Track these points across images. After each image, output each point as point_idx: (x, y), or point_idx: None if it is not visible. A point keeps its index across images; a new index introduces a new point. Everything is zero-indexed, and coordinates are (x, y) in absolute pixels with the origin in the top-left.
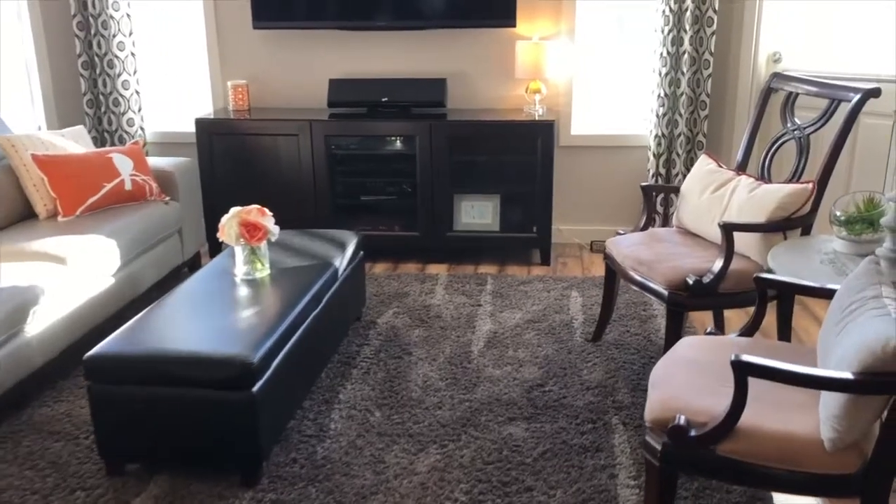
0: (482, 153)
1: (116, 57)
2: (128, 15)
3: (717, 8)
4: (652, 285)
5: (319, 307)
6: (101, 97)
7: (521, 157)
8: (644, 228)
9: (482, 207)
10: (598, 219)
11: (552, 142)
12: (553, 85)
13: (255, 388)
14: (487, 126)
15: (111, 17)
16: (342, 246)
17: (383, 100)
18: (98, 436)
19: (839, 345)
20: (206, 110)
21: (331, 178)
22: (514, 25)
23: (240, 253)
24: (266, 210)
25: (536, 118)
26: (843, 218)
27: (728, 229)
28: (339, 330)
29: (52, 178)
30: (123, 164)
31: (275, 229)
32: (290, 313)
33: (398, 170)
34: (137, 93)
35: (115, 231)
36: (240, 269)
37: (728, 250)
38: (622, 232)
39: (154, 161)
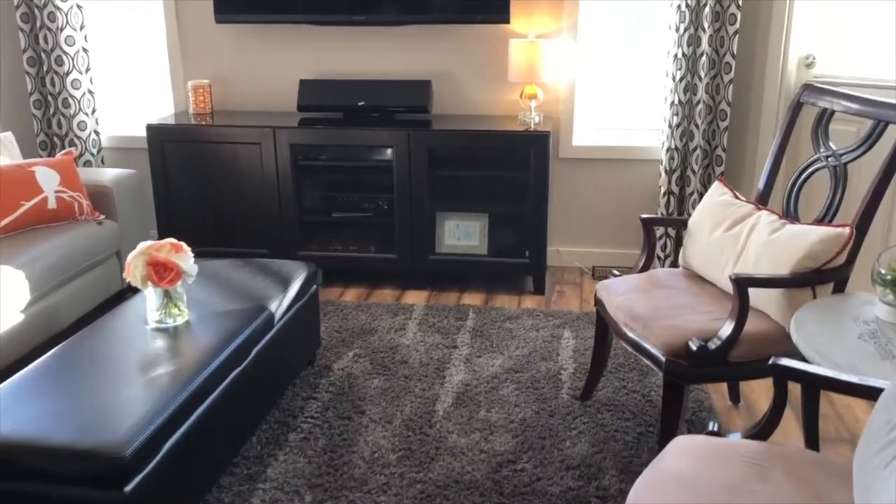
0: (468, 167)
1: (65, 53)
2: (78, 6)
3: (740, 3)
4: (647, 347)
5: (246, 362)
6: (49, 97)
7: (512, 171)
8: (644, 269)
9: (468, 228)
10: (603, 241)
11: (547, 155)
12: (552, 89)
13: (128, 487)
14: (473, 136)
15: (58, 7)
16: (286, 282)
17: (359, 104)
18: None
19: (885, 490)
20: (167, 113)
21: (297, 191)
22: (507, 21)
23: (152, 296)
24: (183, 245)
25: (532, 126)
26: (889, 277)
27: (742, 284)
28: (280, 382)
29: None
30: (48, 179)
31: (191, 269)
32: (196, 379)
33: (374, 184)
34: (91, 93)
35: (31, 258)
36: (151, 316)
37: (741, 310)
38: (618, 273)
39: (89, 174)
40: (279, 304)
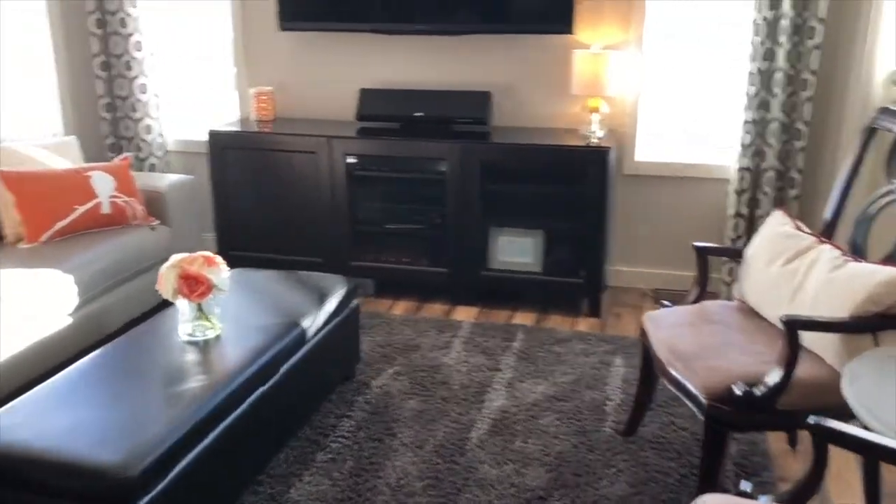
0: (524, 181)
1: (134, 58)
2: (148, 12)
3: (821, 16)
4: (689, 388)
5: (273, 380)
6: (118, 101)
7: (569, 187)
8: (696, 301)
9: (523, 244)
10: (666, 262)
11: (606, 171)
12: (617, 102)
13: None
14: (528, 150)
15: (128, 14)
16: (323, 297)
17: (417, 114)
18: None
19: None
20: (233, 118)
21: (351, 201)
22: (571, 32)
23: (184, 309)
24: (216, 259)
25: (594, 140)
26: None
27: (792, 327)
28: (313, 398)
29: (19, 199)
30: (103, 184)
31: (224, 283)
32: (216, 397)
33: (427, 196)
34: (157, 97)
35: (81, 262)
36: (183, 329)
37: (791, 355)
38: (668, 304)
39: (145, 180)
40: (313, 321)
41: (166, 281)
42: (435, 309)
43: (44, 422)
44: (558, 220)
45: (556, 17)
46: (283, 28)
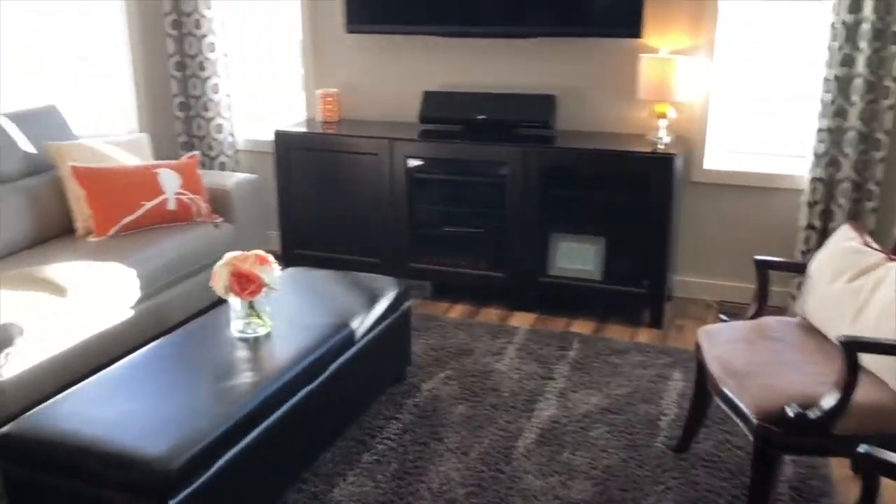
0: (586, 186)
1: (207, 59)
2: (222, 14)
3: None
4: (740, 407)
5: (320, 379)
6: (191, 101)
7: (633, 194)
8: (755, 316)
9: (583, 251)
10: (734, 273)
11: (671, 179)
12: (685, 108)
13: (173, 501)
14: (590, 155)
15: (203, 15)
16: (374, 298)
17: (480, 117)
18: None
19: None
20: (299, 119)
21: (411, 203)
22: (639, 36)
23: (236, 306)
24: (268, 258)
25: (660, 147)
26: None
27: (851, 348)
28: (361, 399)
29: (90, 193)
30: (169, 181)
31: (275, 282)
32: (260, 395)
33: (487, 199)
34: (229, 97)
35: (145, 256)
36: (234, 325)
37: (849, 378)
38: (725, 318)
39: (211, 178)
40: (362, 322)
41: (219, 278)
42: (491, 314)
43: (95, 411)
44: (621, 228)
45: (625, 20)
46: (350, 30)
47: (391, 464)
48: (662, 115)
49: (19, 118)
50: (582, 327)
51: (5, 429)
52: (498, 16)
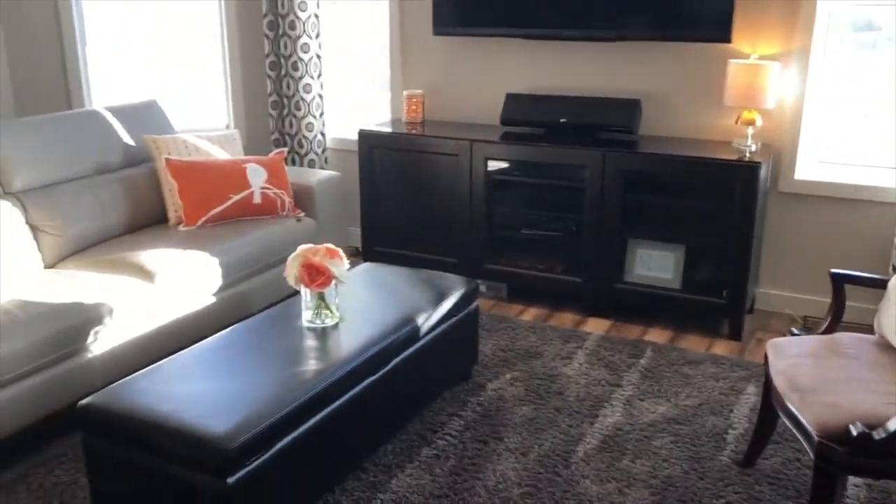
0: (666, 193)
1: (300, 59)
2: (315, 16)
3: None
4: (803, 423)
5: (382, 372)
6: (284, 99)
7: (715, 202)
8: (828, 331)
9: (662, 259)
10: (820, 288)
11: (756, 187)
12: (774, 116)
13: (231, 478)
14: (671, 161)
15: (298, 17)
16: (441, 296)
17: (562, 120)
18: (91, 489)
19: None
20: (384, 119)
21: (489, 205)
22: (728, 41)
23: (306, 296)
24: (339, 251)
25: (747, 155)
26: None
27: None
28: (424, 394)
29: (181, 185)
30: (256, 175)
31: (343, 275)
32: (321, 383)
33: (565, 203)
34: (320, 97)
35: (229, 247)
36: (305, 315)
37: None
38: (797, 332)
39: (297, 174)
40: (428, 318)
41: (291, 269)
42: (565, 318)
43: (169, 389)
44: (702, 236)
45: (714, 25)
46: (437, 33)
47: (449, 459)
48: (750, 123)
49: (122, 112)
50: (657, 336)
51: (86, 400)
52: (584, 19)
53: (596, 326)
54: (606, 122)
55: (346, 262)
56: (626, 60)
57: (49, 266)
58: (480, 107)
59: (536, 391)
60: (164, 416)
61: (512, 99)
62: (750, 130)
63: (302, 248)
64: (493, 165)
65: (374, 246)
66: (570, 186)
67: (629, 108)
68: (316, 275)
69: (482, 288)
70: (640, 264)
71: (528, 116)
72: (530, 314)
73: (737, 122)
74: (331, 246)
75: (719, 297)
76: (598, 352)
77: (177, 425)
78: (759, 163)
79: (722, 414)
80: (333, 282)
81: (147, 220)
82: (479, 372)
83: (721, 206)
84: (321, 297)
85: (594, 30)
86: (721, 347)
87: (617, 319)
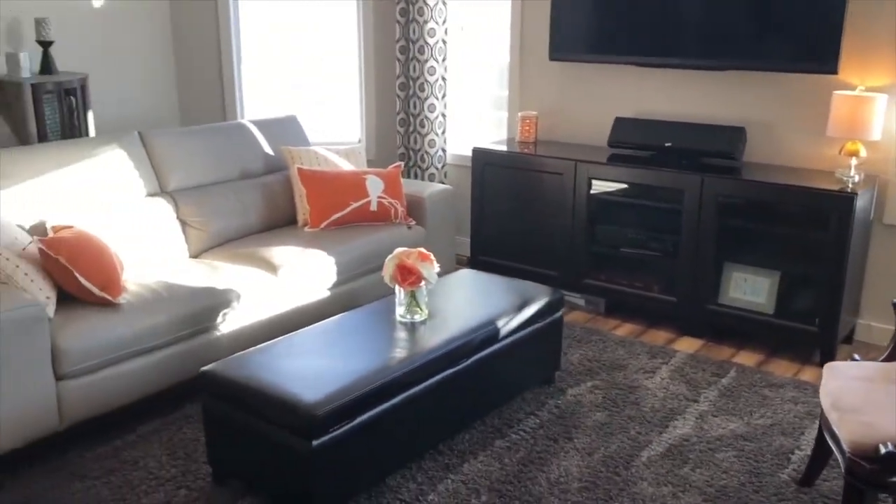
0: (763, 219)
1: (427, 81)
2: (443, 41)
3: None
4: (839, 439)
5: (461, 366)
6: (410, 117)
7: (811, 231)
8: (889, 359)
9: (756, 283)
10: None
11: (852, 218)
12: (881, 147)
13: (316, 441)
14: (770, 188)
15: (426, 43)
16: (524, 304)
17: (667, 144)
18: (207, 443)
19: None
20: (501, 138)
21: (590, 223)
22: (835, 72)
23: (400, 294)
24: (430, 256)
25: (850, 186)
26: None
27: None
28: (502, 392)
29: (309, 192)
30: (374, 186)
31: (432, 277)
32: (400, 369)
33: (663, 224)
34: (443, 116)
35: (345, 248)
36: (398, 310)
37: None
38: (857, 358)
39: (411, 186)
40: (508, 322)
41: (388, 269)
42: (658, 336)
43: (276, 363)
44: (797, 263)
45: (821, 56)
46: (553, 58)
47: (519, 451)
48: (854, 154)
49: (265, 125)
50: (746, 359)
51: (208, 366)
52: (694, 48)
53: (687, 345)
54: (710, 148)
55: (435, 266)
56: (732, 88)
57: (193, 256)
58: (590, 129)
59: (613, 399)
60: (267, 384)
61: (620, 122)
62: (853, 161)
63: (398, 250)
64: (596, 185)
65: (482, 255)
66: (669, 209)
67: (733, 135)
68: (407, 274)
69: (581, 301)
70: (734, 287)
71: (634, 140)
72: (625, 329)
73: (840, 153)
74: (423, 250)
75: (812, 324)
76: (683, 369)
77: (276, 392)
78: (856, 194)
79: (792, 435)
80: (423, 282)
81: (279, 221)
82: (561, 378)
83: (816, 235)
84: (413, 295)
85: (702, 59)
86: (808, 374)
87: (709, 340)
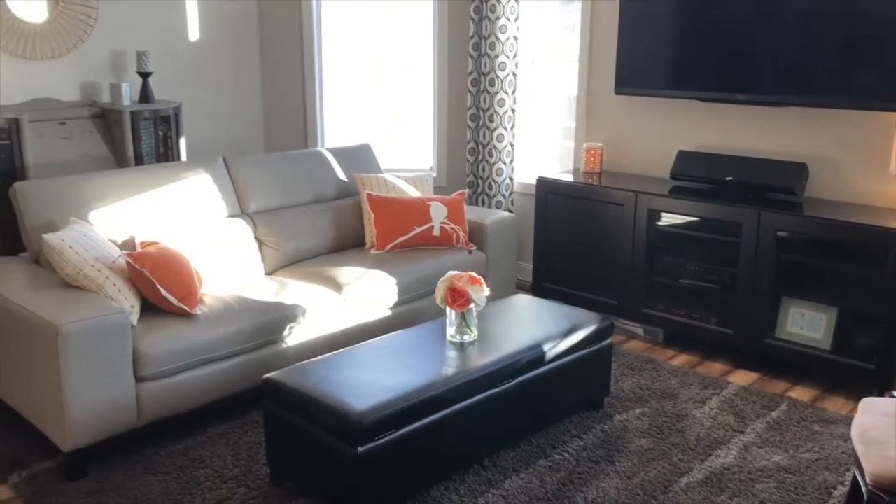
0: (823, 255)
1: (496, 112)
2: (513, 74)
3: None
4: (863, 471)
5: (506, 385)
6: (479, 147)
7: (871, 267)
8: None
9: (814, 319)
10: None
11: None
12: None
13: (361, 448)
14: (828, 224)
15: (497, 76)
16: (573, 329)
17: (728, 179)
18: (267, 446)
19: None
20: (566, 167)
21: (650, 253)
22: None
23: (451, 315)
24: (481, 280)
25: None
26: None
27: None
28: (548, 413)
29: (377, 216)
30: (438, 212)
31: (481, 300)
32: (442, 386)
33: (721, 257)
34: (511, 146)
35: (407, 270)
36: (449, 331)
37: None
38: (895, 395)
39: (474, 213)
40: (554, 346)
41: (439, 291)
42: (714, 368)
43: (331, 374)
44: (855, 300)
45: (884, 93)
46: (619, 92)
47: (561, 471)
48: None
49: (340, 153)
50: (800, 393)
51: (270, 374)
52: (756, 85)
53: (741, 378)
54: (771, 183)
55: (485, 290)
56: (794, 124)
57: (268, 273)
58: (654, 161)
59: (659, 427)
60: (321, 392)
61: (683, 155)
62: None
63: (450, 273)
64: (656, 216)
65: (543, 282)
66: (727, 241)
67: (794, 171)
68: (457, 297)
69: (639, 331)
70: (791, 322)
71: (696, 173)
72: (680, 360)
73: None
74: (474, 274)
75: (870, 362)
76: (733, 400)
77: (328, 401)
78: None
79: (837, 471)
80: (472, 304)
81: (348, 243)
82: (611, 403)
83: (876, 272)
84: (463, 316)
85: (765, 95)
86: None
87: (764, 374)
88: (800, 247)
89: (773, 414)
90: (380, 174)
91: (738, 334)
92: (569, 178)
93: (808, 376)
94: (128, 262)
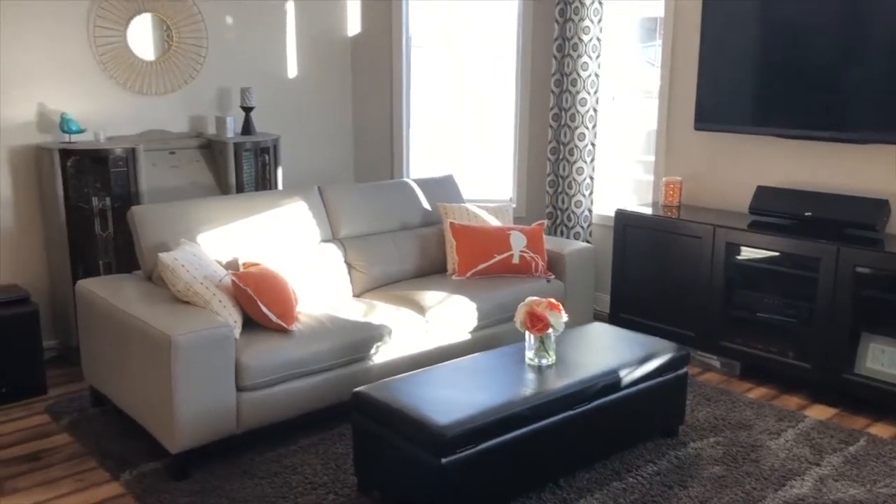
0: None
1: (576, 146)
2: (594, 109)
3: None
4: None
5: (582, 408)
6: (559, 179)
7: None
8: None
9: (895, 356)
10: None
11: None
12: None
13: (445, 459)
14: None
15: (577, 111)
16: (649, 357)
17: (806, 214)
18: (355, 455)
19: None
20: (645, 200)
21: (727, 286)
22: None
23: (530, 339)
24: (559, 305)
25: None
26: None
27: None
28: (622, 438)
29: (459, 244)
30: (517, 241)
31: (559, 325)
32: (521, 405)
33: (800, 292)
34: (591, 178)
35: (486, 296)
36: (528, 354)
37: None
38: None
39: (553, 243)
40: (629, 372)
41: (519, 315)
42: (790, 401)
43: (416, 390)
44: None
45: None
46: (698, 128)
47: (634, 494)
48: None
49: (425, 184)
50: (880, 430)
51: (359, 388)
52: (837, 122)
53: (818, 413)
54: (851, 219)
55: (563, 315)
56: (876, 160)
57: (356, 295)
58: (733, 195)
59: (734, 456)
60: (406, 406)
61: (762, 191)
62: None
63: (530, 298)
64: (735, 250)
65: (621, 312)
66: (805, 276)
67: (875, 208)
68: (536, 321)
69: (716, 363)
70: (872, 358)
71: (775, 208)
72: (757, 393)
73: None
74: (553, 300)
75: None
76: (810, 434)
77: (413, 414)
78: None
79: None
80: (550, 329)
81: (431, 269)
82: (685, 432)
83: None
84: (542, 340)
85: (850, 132)
86: None
87: (843, 409)
88: (880, 283)
89: (851, 448)
90: (462, 204)
91: (816, 369)
92: (647, 210)
93: (888, 413)
94: (233, 282)
